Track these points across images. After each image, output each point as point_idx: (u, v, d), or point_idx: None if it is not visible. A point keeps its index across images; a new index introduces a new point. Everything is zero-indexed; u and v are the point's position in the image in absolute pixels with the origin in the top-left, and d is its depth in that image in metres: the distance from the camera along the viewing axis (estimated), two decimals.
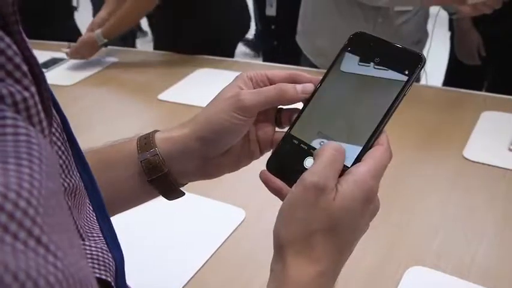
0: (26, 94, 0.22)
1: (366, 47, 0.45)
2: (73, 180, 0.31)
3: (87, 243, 0.31)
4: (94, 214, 0.34)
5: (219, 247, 0.86)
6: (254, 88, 0.47)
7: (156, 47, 1.95)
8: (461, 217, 0.92)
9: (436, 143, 1.17)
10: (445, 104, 1.36)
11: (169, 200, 0.51)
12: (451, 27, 1.92)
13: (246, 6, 1.96)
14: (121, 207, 0.51)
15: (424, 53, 1.60)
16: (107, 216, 0.35)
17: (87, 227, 0.33)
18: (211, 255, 0.84)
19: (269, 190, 0.44)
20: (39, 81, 0.24)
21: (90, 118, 1.37)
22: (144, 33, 3.85)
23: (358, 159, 0.41)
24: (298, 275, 0.38)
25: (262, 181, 0.45)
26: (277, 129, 0.50)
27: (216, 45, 1.75)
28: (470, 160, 1.07)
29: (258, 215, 0.93)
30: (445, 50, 1.98)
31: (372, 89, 0.43)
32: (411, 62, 0.42)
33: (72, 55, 1.68)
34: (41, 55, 1.74)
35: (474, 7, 1.29)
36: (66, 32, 2.01)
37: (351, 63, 0.45)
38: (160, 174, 0.47)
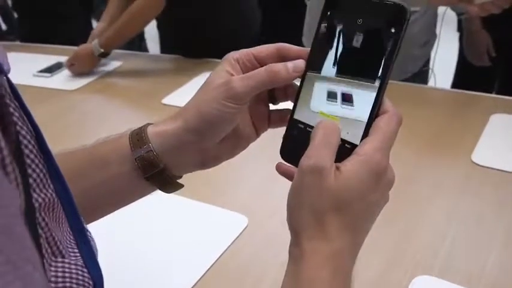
0: None
1: (345, 8, 0.43)
2: (48, 195, 0.30)
3: (66, 260, 0.30)
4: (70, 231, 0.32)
5: (221, 255, 0.84)
6: (242, 69, 0.45)
7: (162, 50, 1.95)
8: (469, 224, 0.90)
9: (444, 146, 1.14)
10: (453, 107, 1.33)
11: (168, 193, 0.50)
12: (459, 28, 1.90)
13: (257, 8, 1.91)
14: (119, 203, 0.50)
15: (432, 54, 1.58)
16: (85, 233, 0.34)
17: (68, 241, 0.32)
18: (213, 264, 0.83)
19: (290, 181, 0.43)
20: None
21: (94, 123, 1.37)
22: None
23: (365, 133, 0.41)
24: (314, 257, 0.38)
25: (280, 174, 0.45)
26: (272, 106, 0.48)
27: (225, 48, 1.73)
28: (479, 165, 1.05)
29: (261, 221, 0.92)
30: (453, 51, 1.95)
31: (362, 54, 0.42)
32: (396, 17, 0.40)
33: (69, 69, 1.63)
34: (46, 59, 1.74)
35: (481, 7, 1.26)
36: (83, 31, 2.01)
37: (334, 29, 0.43)
38: (156, 170, 0.46)
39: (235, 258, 0.84)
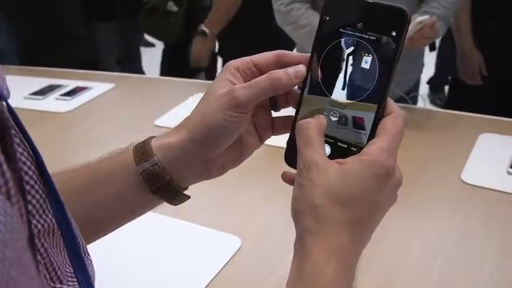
0: None
1: (344, 11, 0.43)
2: (48, 220, 0.30)
3: (64, 286, 0.30)
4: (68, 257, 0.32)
5: (213, 278, 0.84)
6: (242, 77, 0.45)
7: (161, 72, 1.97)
8: (461, 243, 0.91)
9: (434, 166, 1.16)
10: (442, 126, 1.35)
11: (175, 205, 0.49)
12: (432, 48, 1.94)
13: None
14: (126, 218, 0.50)
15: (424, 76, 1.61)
16: (82, 258, 0.34)
17: (66, 266, 0.32)
18: (206, 287, 0.82)
19: None
20: (3, 128, 0.23)
21: (86, 145, 1.37)
22: (151, 45, 3.76)
23: (371, 135, 0.42)
24: (318, 252, 0.39)
25: (287, 182, 0.45)
26: (274, 113, 0.49)
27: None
28: (468, 184, 1.06)
29: (255, 242, 0.91)
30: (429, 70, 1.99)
31: (363, 58, 0.42)
32: (396, 20, 0.41)
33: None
34: (38, 82, 1.75)
35: (409, 39, 1.22)
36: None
37: (335, 34, 0.44)
38: (162, 183, 0.46)
39: (228, 281, 0.84)
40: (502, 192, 1.02)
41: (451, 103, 1.90)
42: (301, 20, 1.37)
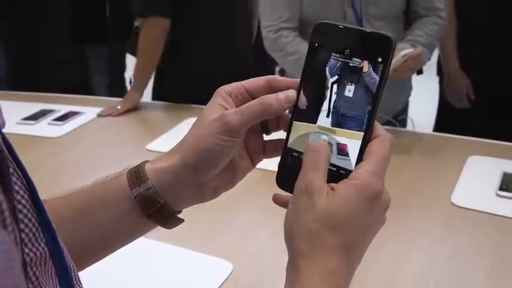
0: None
1: (332, 38, 0.45)
2: (40, 249, 0.30)
3: None
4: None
5: None
6: (234, 102, 0.46)
7: (154, 96, 1.98)
8: (451, 265, 0.91)
9: (424, 188, 1.17)
10: (431, 149, 1.37)
11: (169, 228, 0.50)
12: (439, 72, 1.98)
13: (246, 57, 1.90)
14: (120, 243, 0.50)
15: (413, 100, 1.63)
16: (73, 287, 0.34)
17: None
18: None
19: None
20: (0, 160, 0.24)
21: (78, 169, 1.37)
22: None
23: (359, 158, 0.42)
24: (310, 276, 0.39)
25: (278, 204, 0.46)
26: (265, 137, 0.49)
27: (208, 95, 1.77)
28: (458, 206, 1.07)
29: (247, 267, 0.91)
30: (432, 94, 2.02)
31: (350, 83, 0.43)
32: (382, 47, 0.42)
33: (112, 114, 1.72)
34: (31, 107, 1.75)
35: (394, 71, 1.23)
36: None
37: (323, 60, 0.45)
38: (156, 207, 0.46)
39: None
40: (492, 214, 1.03)
41: (439, 126, 1.92)
42: (289, 48, 1.39)
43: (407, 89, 1.62)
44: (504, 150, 1.33)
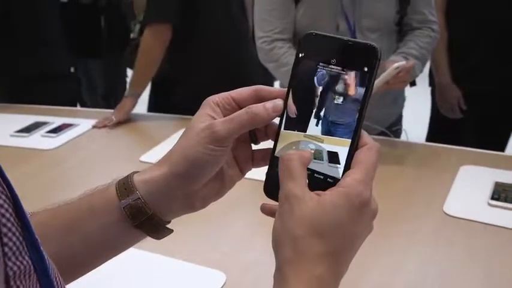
0: None
1: (319, 48, 0.45)
2: (24, 262, 0.30)
3: None
4: None
5: None
6: (222, 112, 0.46)
7: (149, 108, 1.98)
8: (444, 275, 0.91)
9: (417, 198, 1.17)
10: (423, 159, 1.37)
11: (158, 239, 0.50)
12: (431, 83, 2.00)
13: (244, 67, 1.90)
14: (110, 253, 0.50)
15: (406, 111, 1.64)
16: None
17: None
18: None
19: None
20: None
21: (72, 181, 1.36)
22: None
23: (347, 167, 0.43)
24: (296, 282, 0.39)
25: (266, 214, 0.46)
26: (254, 146, 0.50)
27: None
28: (451, 215, 1.08)
29: (240, 277, 0.91)
30: (425, 105, 2.04)
31: (337, 92, 0.44)
32: (368, 57, 0.43)
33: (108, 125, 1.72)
34: (24, 119, 1.75)
35: (386, 84, 1.22)
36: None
37: (310, 70, 0.45)
38: (145, 217, 0.46)
39: None
40: (484, 223, 1.04)
41: (432, 136, 1.94)
42: (283, 59, 1.40)
43: (400, 100, 1.63)
44: (496, 159, 1.35)
